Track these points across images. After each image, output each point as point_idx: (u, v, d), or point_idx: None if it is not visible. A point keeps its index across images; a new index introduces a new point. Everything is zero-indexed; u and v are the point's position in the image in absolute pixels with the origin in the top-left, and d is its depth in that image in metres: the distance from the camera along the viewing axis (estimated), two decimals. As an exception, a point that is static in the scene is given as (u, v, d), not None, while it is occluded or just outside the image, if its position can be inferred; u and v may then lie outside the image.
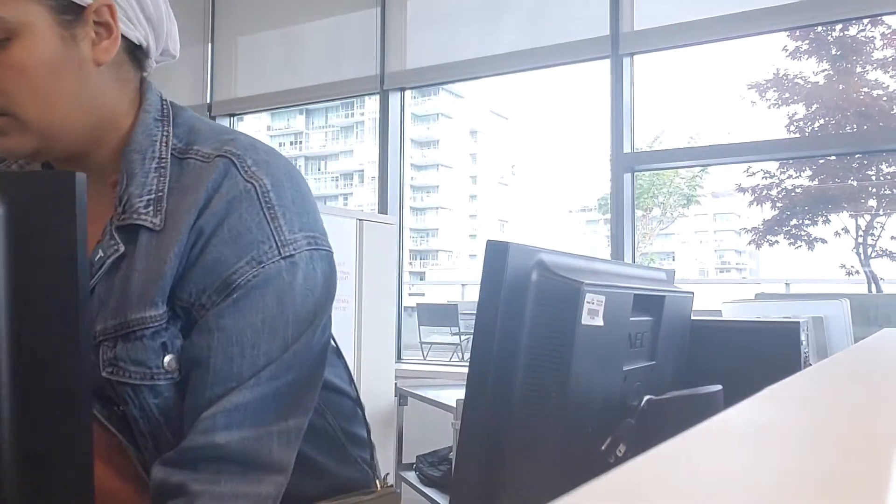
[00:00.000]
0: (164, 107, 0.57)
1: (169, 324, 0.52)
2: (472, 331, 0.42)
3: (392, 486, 0.69)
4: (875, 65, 4.89)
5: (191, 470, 0.49)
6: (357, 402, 0.68)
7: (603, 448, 0.45)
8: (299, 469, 0.54)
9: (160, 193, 0.52)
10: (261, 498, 0.49)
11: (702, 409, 0.49)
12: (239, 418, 0.49)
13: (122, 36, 0.54)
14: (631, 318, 0.48)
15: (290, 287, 0.51)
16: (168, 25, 0.58)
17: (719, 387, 0.50)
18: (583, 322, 0.42)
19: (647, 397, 0.48)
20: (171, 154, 0.54)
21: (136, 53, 0.57)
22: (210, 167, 0.53)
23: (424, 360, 4.68)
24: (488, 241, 0.43)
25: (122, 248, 0.52)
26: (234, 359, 0.50)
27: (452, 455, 1.65)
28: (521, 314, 0.42)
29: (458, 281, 14.17)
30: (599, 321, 0.43)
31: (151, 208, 0.52)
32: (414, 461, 1.95)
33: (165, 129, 0.55)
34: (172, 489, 0.49)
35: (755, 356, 0.94)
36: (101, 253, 0.52)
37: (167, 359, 0.51)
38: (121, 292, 0.52)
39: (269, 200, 0.52)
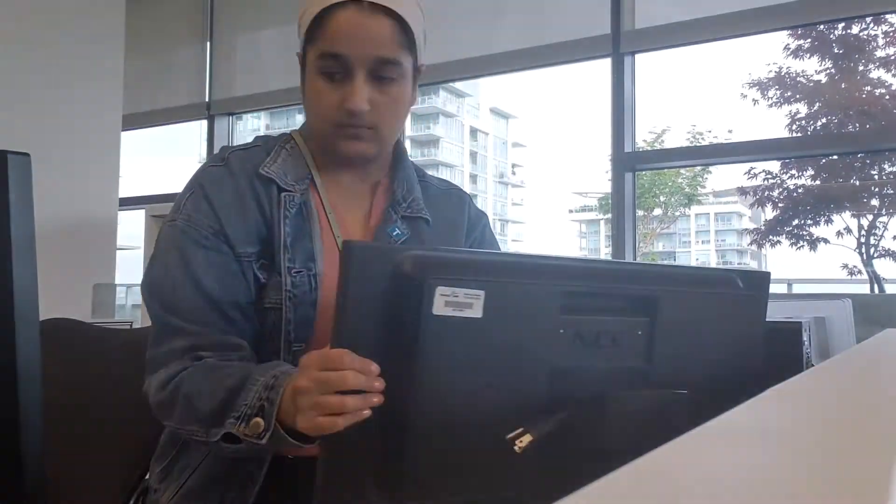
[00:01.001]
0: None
1: None
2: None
3: None
4: (878, 63, 4.88)
5: None
6: None
7: (508, 437, 0.44)
8: None
9: (422, 199, 0.80)
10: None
11: (657, 412, 0.48)
12: None
13: None
14: (578, 316, 0.47)
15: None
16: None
17: (683, 392, 0.49)
18: (435, 313, 0.43)
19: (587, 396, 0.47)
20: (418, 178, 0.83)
21: None
22: (457, 193, 0.86)
23: (425, 359, 4.67)
24: (345, 242, 0.46)
25: (408, 231, 0.77)
26: None
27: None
28: (377, 312, 0.43)
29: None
30: (475, 313, 0.43)
31: (422, 209, 0.79)
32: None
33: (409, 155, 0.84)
34: None
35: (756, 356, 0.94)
36: (396, 230, 0.76)
37: None
38: None
39: (492, 229, 0.88)
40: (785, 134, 5.08)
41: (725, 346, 0.56)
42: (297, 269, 0.68)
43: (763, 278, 0.58)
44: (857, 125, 4.74)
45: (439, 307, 0.43)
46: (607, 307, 0.50)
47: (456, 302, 0.43)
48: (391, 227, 0.75)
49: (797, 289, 5.02)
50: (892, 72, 4.81)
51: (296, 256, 0.68)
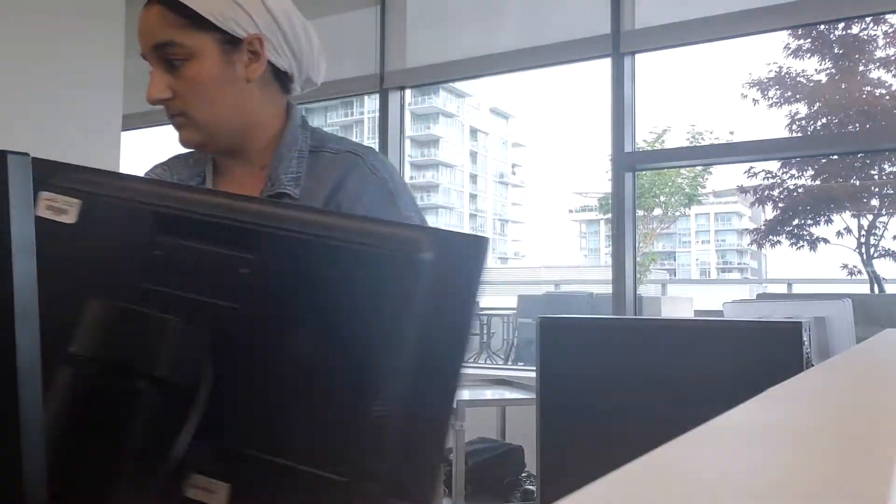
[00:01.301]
0: (304, 120, 0.78)
1: None
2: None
3: None
4: (878, 63, 4.88)
5: None
6: None
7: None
8: None
9: (299, 174, 0.73)
10: None
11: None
12: None
13: (270, 62, 0.73)
14: (175, 240, 0.47)
15: None
16: (312, 60, 0.77)
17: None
18: (38, 214, 0.46)
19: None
20: (309, 150, 0.75)
21: (281, 78, 0.75)
22: (347, 157, 0.74)
23: (425, 359, 4.67)
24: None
25: None
26: None
27: (453, 456, 1.65)
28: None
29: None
30: (69, 219, 0.46)
31: (293, 184, 0.72)
32: (414, 461, 1.95)
33: (305, 133, 0.76)
34: None
35: (757, 356, 0.94)
36: None
37: None
38: None
39: (389, 190, 0.72)
40: (785, 134, 5.08)
41: (364, 312, 0.48)
42: None
43: (468, 245, 0.46)
44: (857, 125, 4.74)
45: (41, 210, 0.47)
46: (211, 237, 0.47)
47: (54, 207, 0.46)
48: None
49: (797, 289, 5.02)
50: (893, 72, 4.81)
51: None
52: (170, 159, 0.81)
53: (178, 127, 0.73)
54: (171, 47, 0.69)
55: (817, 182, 5.32)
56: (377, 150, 3.28)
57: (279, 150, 0.74)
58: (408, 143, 3.12)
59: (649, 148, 5.65)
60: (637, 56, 2.29)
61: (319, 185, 0.72)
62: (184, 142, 0.74)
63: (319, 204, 0.70)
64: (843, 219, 5.12)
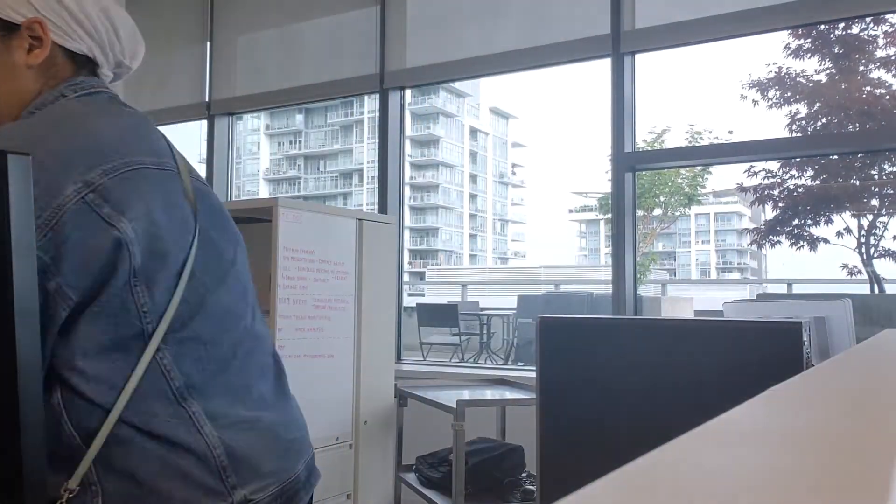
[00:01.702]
0: (57, 99, 0.67)
1: None
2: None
3: None
4: (878, 63, 4.88)
5: None
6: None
7: None
8: None
9: None
10: None
11: None
12: None
13: (62, 46, 0.68)
14: None
15: None
16: (116, 43, 0.71)
17: None
18: None
19: None
20: None
21: (77, 61, 0.69)
22: None
23: (424, 360, 4.68)
24: None
25: None
26: None
27: (453, 456, 1.65)
28: None
29: (458, 281, 14.18)
30: None
31: None
32: (413, 462, 1.95)
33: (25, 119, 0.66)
34: None
35: (757, 356, 0.94)
36: None
37: None
38: None
39: None
40: (785, 134, 5.08)
41: None
42: None
43: None
44: (857, 125, 4.74)
45: None
46: None
47: None
48: None
49: (797, 289, 5.02)
50: (893, 72, 4.81)
51: None
52: None
53: None
54: None
55: (817, 182, 5.31)
56: (376, 149, 3.19)
57: None
58: (408, 143, 3.12)
59: (649, 148, 5.65)
60: (637, 56, 2.29)
61: None
62: None
63: None
64: (843, 219, 5.12)
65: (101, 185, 0.58)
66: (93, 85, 0.69)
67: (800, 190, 5.34)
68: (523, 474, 1.78)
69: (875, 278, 4.92)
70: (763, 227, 5.68)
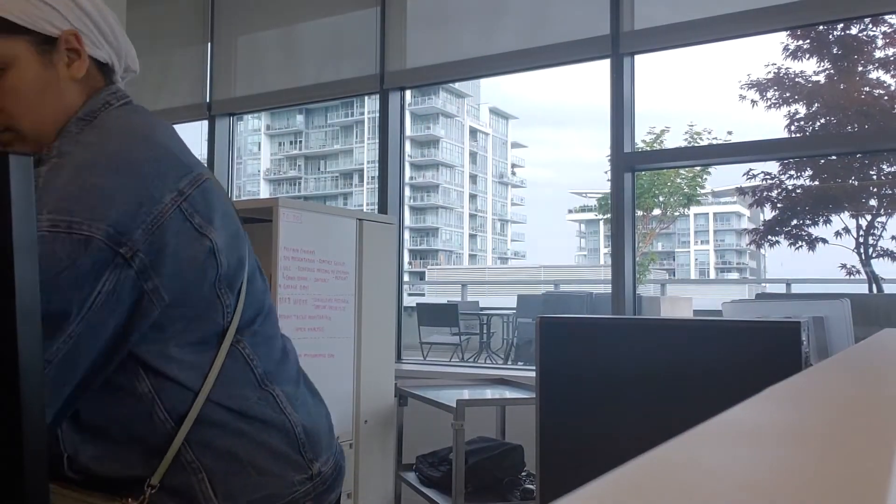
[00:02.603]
0: (103, 108, 0.68)
1: None
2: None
3: None
4: (876, 64, 4.88)
5: None
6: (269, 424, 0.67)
7: None
8: None
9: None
10: None
11: None
12: None
13: (90, 56, 0.68)
14: None
15: None
16: (124, 47, 0.72)
17: None
18: None
19: None
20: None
21: (103, 69, 0.71)
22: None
23: (424, 360, 4.68)
24: None
25: None
26: None
27: (452, 455, 1.65)
28: None
29: (458, 281, 14.18)
30: None
31: None
32: (414, 462, 1.95)
33: (83, 127, 0.66)
34: None
35: (756, 356, 0.94)
36: None
37: None
38: None
39: (37, 186, 0.57)
40: (784, 134, 5.08)
41: None
42: None
43: None
44: (856, 125, 4.74)
45: None
46: None
47: None
48: None
49: (796, 289, 5.03)
50: (891, 72, 4.82)
51: None
52: None
53: (5, 144, 0.65)
54: None
55: (816, 182, 5.32)
56: (376, 149, 3.18)
57: (44, 155, 0.63)
58: (408, 143, 3.12)
59: (648, 148, 5.65)
60: (636, 57, 2.29)
61: None
62: None
63: None
64: (842, 219, 5.12)
65: (190, 194, 0.62)
66: (125, 94, 0.71)
67: (798, 190, 5.34)
68: (523, 473, 1.79)
69: (873, 278, 4.92)
70: (762, 227, 5.68)
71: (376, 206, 2.68)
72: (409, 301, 6.09)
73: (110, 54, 0.70)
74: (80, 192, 0.57)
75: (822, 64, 4.99)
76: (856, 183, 5.22)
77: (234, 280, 0.66)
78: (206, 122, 3.14)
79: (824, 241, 5.14)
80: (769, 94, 5.15)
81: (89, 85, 0.69)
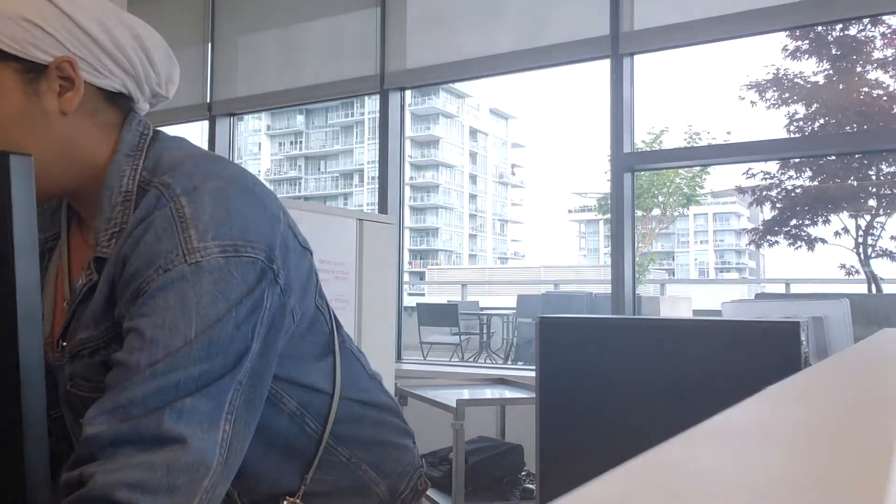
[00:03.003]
0: (142, 141, 0.63)
1: (111, 342, 0.58)
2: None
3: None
4: (875, 64, 4.89)
5: (88, 461, 0.52)
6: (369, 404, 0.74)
7: None
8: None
9: (123, 226, 0.58)
10: (154, 466, 0.51)
11: None
12: (136, 412, 0.52)
13: (96, 85, 0.60)
14: None
15: (195, 288, 0.54)
16: (151, 71, 0.64)
17: None
18: None
19: None
20: (139, 186, 0.60)
21: (117, 100, 0.63)
22: (145, 197, 0.58)
23: (424, 360, 4.68)
24: None
25: (95, 277, 0.59)
26: (135, 352, 0.54)
27: (453, 455, 1.65)
28: None
29: (458, 281, 14.19)
30: None
31: (113, 241, 0.58)
32: (414, 461, 1.95)
33: (135, 162, 0.61)
34: (74, 481, 0.52)
35: (755, 355, 0.94)
36: (82, 280, 0.61)
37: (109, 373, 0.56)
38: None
39: (183, 216, 0.56)
40: (783, 134, 5.09)
41: None
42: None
43: None
44: (855, 126, 4.74)
45: None
46: None
47: None
48: (80, 277, 0.61)
49: (795, 289, 5.03)
50: (890, 73, 4.82)
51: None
52: None
53: None
54: None
55: (815, 182, 5.32)
56: (378, 150, 3.18)
57: (101, 196, 0.59)
58: (408, 143, 3.12)
59: (647, 148, 5.65)
60: (636, 57, 2.30)
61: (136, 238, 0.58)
62: None
63: (111, 264, 0.57)
64: (841, 219, 5.12)
65: (286, 211, 0.63)
66: (148, 123, 0.65)
67: (798, 190, 5.35)
68: (523, 473, 1.79)
69: (873, 278, 4.93)
70: (761, 227, 5.68)
71: (376, 206, 2.69)
72: (409, 301, 6.09)
73: (125, 82, 0.62)
74: (230, 217, 0.56)
75: (822, 64, 4.99)
76: (855, 183, 5.22)
77: (322, 290, 0.70)
78: (206, 123, 3.14)
79: (823, 241, 5.14)
80: (768, 95, 5.16)
81: (97, 120, 0.61)
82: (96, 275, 0.58)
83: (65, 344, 0.61)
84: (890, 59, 4.77)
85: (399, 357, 2.64)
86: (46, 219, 0.66)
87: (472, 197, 26.24)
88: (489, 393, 2.02)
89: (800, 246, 5.20)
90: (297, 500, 0.65)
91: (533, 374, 1.19)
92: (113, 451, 0.51)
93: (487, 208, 26.68)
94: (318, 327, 0.67)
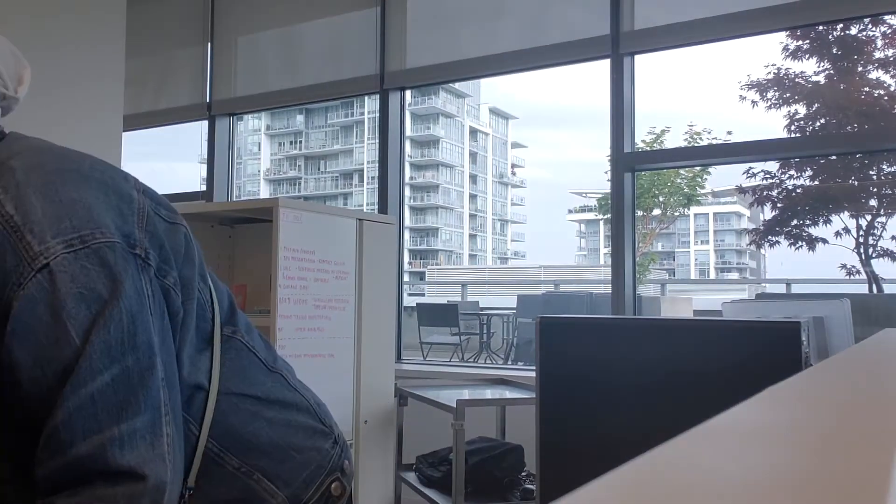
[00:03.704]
0: None
1: None
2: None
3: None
4: (876, 64, 4.88)
5: (51, 495, 0.49)
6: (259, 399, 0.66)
7: None
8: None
9: None
10: (116, 498, 0.48)
11: None
12: (65, 437, 0.48)
13: None
14: None
15: (56, 294, 0.50)
16: (11, 71, 0.62)
17: None
18: None
19: None
20: None
21: None
22: None
23: (424, 360, 4.68)
24: None
25: None
26: (39, 382, 0.49)
27: (453, 455, 1.65)
28: None
29: (458, 281, 14.18)
30: None
31: None
32: (414, 462, 1.95)
33: None
34: None
35: (756, 356, 0.94)
36: None
37: None
38: None
39: (14, 224, 0.51)
40: (784, 134, 5.08)
41: None
42: None
43: None
44: (856, 126, 4.74)
45: None
46: None
47: None
48: None
49: (796, 289, 5.03)
50: (891, 73, 4.82)
51: None
52: None
53: None
54: None
55: (816, 182, 5.32)
56: (378, 150, 3.18)
57: None
58: (408, 143, 3.12)
59: (648, 148, 5.65)
60: (636, 57, 2.29)
61: None
62: None
63: None
64: (842, 219, 5.12)
65: (143, 187, 0.59)
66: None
67: (798, 190, 5.34)
68: (523, 473, 1.79)
69: (873, 278, 4.92)
70: (762, 227, 5.68)
71: (376, 206, 2.68)
72: (409, 301, 6.09)
73: None
74: (65, 209, 0.52)
75: (822, 64, 4.99)
76: (856, 183, 5.22)
77: (203, 269, 0.63)
78: (206, 122, 3.14)
79: (824, 241, 5.14)
80: (769, 95, 5.15)
81: None
82: None
83: None
84: (891, 58, 4.76)
85: (399, 357, 2.64)
86: None
87: (472, 197, 26.24)
88: (489, 393, 2.02)
89: (800, 246, 5.19)
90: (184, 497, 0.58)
91: (533, 374, 1.19)
92: (73, 489, 0.48)
93: (487, 208, 26.67)
94: (202, 312, 0.61)
